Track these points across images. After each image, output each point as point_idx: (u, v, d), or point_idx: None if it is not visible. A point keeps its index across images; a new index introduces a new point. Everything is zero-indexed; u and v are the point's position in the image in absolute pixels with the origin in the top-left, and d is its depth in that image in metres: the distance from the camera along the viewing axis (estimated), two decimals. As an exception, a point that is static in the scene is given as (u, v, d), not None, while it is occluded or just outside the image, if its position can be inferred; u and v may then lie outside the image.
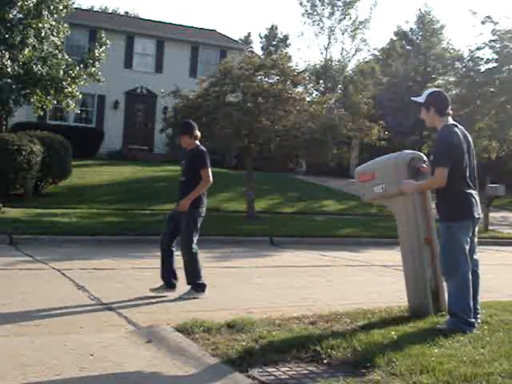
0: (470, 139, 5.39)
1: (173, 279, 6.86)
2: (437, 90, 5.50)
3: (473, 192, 5.19)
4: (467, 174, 5.17)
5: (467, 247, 5.14)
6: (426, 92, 5.42)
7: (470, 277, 5.13)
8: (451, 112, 5.31)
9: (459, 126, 5.30)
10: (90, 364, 4.36)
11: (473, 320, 5.11)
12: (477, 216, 5.20)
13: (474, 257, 5.35)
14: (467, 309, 5.08)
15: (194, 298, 6.68)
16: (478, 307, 5.33)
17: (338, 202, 20.53)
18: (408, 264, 5.72)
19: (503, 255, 13.32)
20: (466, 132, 5.34)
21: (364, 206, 17.73)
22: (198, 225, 6.85)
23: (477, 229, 5.34)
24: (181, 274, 6.87)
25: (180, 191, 6.92)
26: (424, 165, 5.59)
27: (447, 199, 5.13)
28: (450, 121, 5.26)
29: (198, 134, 7.10)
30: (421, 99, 5.34)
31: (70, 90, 16.44)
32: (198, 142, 7.08)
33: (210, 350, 4.56)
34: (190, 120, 7.73)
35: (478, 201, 5.26)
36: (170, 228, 6.91)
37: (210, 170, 6.91)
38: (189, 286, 6.82)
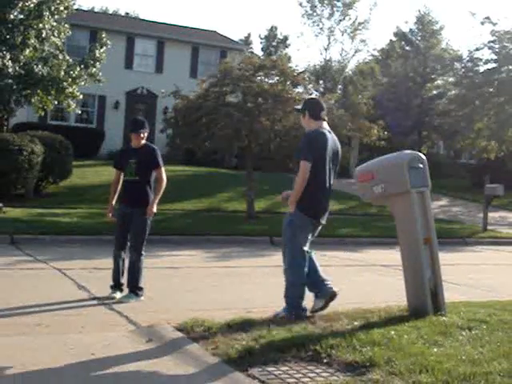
0: (339, 148, 5.66)
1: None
2: (312, 97, 5.87)
3: (324, 197, 5.51)
4: (325, 179, 5.45)
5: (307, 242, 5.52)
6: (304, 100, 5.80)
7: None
8: (326, 118, 5.64)
9: (332, 133, 5.60)
10: (91, 363, 4.38)
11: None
12: (322, 221, 5.63)
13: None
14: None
15: (128, 302, 6.42)
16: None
17: (337, 201, 20.52)
18: (408, 264, 5.74)
19: (502, 255, 13.34)
20: (337, 141, 5.63)
21: (364, 205, 17.75)
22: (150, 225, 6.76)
23: (317, 232, 5.75)
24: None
25: (132, 191, 6.64)
26: (421, 164, 5.64)
27: (305, 193, 5.36)
28: (325, 126, 5.57)
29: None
30: (299, 106, 5.73)
31: (70, 90, 16.44)
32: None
33: (210, 349, 4.58)
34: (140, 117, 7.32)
35: (327, 208, 5.60)
36: (125, 231, 6.68)
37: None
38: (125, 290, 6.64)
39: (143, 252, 6.68)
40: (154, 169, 6.73)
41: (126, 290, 6.64)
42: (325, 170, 5.46)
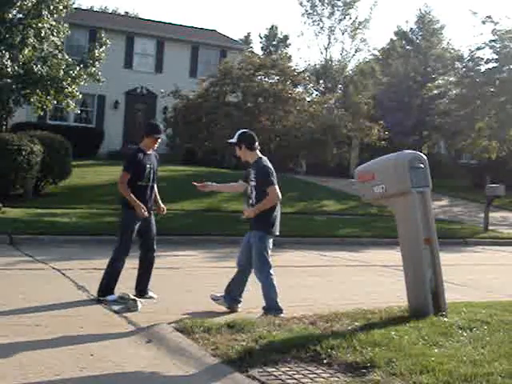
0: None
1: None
2: (246, 130, 6.38)
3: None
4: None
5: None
6: (238, 132, 6.29)
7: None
8: (259, 147, 6.23)
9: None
10: (90, 364, 4.36)
11: None
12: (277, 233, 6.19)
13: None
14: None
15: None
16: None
17: (338, 201, 20.51)
18: (408, 264, 5.72)
19: (503, 255, 13.32)
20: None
21: (364, 206, 17.71)
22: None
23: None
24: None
25: (150, 196, 6.68)
26: (421, 164, 5.63)
27: (269, 214, 6.01)
28: (259, 154, 6.19)
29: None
30: (234, 139, 6.22)
31: (70, 90, 16.41)
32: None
33: (210, 350, 4.56)
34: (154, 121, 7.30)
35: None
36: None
37: None
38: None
39: None
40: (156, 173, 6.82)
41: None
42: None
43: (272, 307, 5.89)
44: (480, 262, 12.06)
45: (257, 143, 6.23)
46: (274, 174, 6.10)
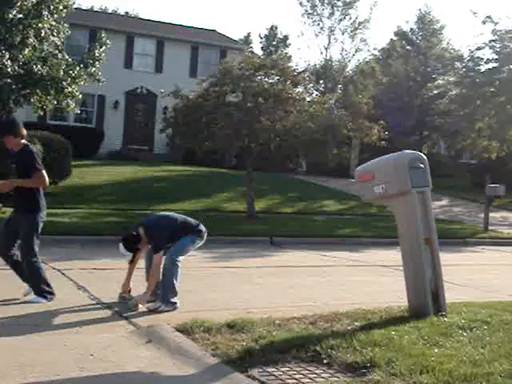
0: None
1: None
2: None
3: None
4: None
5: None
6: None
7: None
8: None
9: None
10: (90, 364, 4.36)
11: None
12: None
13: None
14: None
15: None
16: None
17: (338, 201, 20.53)
18: (408, 264, 5.72)
19: (503, 255, 13.32)
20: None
21: (364, 205, 17.73)
22: (39, 230, 6.59)
23: None
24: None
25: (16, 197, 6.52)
26: (422, 164, 5.64)
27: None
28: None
29: (25, 132, 6.46)
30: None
31: (70, 90, 16.41)
32: (24, 141, 6.52)
33: (210, 349, 4.56)
34: (12, 117, 6.73)
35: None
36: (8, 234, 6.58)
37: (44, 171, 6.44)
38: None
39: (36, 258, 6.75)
40: (34, 172, 6.48)
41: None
42: None
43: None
44: (480, 261, 12.05)
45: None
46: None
